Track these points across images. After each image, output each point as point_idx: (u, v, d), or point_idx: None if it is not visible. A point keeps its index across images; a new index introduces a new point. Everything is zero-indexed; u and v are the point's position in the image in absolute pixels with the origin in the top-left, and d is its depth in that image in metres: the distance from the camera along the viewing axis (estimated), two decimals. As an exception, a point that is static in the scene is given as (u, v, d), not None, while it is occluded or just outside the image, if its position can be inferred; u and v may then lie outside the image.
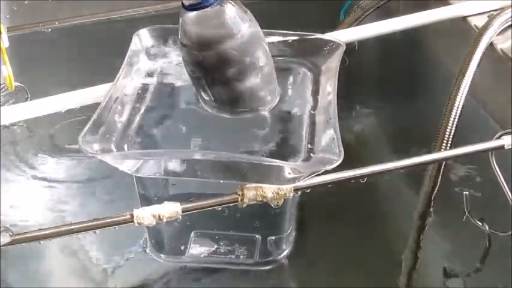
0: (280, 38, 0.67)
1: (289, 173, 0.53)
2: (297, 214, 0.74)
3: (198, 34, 0.54)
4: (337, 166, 0.51)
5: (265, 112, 0.60)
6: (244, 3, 0.56)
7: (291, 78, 0.66)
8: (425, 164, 0.64)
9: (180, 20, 0.55)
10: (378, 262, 0.74)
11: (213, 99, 0.58)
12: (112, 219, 0.53)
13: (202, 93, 0.58)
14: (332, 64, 0.65)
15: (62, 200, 0.84)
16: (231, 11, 0.54)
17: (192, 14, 0.53)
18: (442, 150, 0.65)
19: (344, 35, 0.70)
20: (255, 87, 0.57)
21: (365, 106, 0.97)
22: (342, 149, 0.52)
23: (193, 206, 0.54)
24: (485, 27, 0.69)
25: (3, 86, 0.71)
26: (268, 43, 0.58)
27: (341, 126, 0.55)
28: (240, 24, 0.54)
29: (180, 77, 0.66)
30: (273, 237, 0.72)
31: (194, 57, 0.55)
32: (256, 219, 0.72)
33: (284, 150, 0.58)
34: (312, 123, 0.59)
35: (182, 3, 0.54)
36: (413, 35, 0.78)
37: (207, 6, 0.53)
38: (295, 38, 0.66)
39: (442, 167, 0.67)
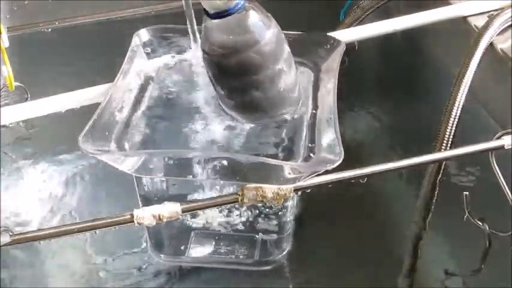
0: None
1: (289, 173, 0.53)
2: (296, 214, 0.74)
3: (223, 42, 0.54)
4: (337, 166, 0.51)
5: (288, 117, 0.60)
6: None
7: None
8: (425, 164, 0.64)
9: (203, 27, 0.55)
10: (378, 262, 0.74)
11: (233, 104, 0.58)
12: (112, 219, 0.53)
13: (224, 99, 0.58)
14: (332, 63, 0.65)
15: (62, 200, 0.84)
16: (254, 17, 0.54)
17: (215, 21, 0.53)
18: (442, 150, 0.65)
19: (344, 35, 0.70)
20: (278, 95, 0.57)
21: (365, 106, 0.97)
22: (342, 149, 0.52)
23: (193, 206, 0.54)
24: (485, 27, 0.69)
25: (3, 86, 0.71)
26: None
27: (341, 126, 0.55)
28: (264, 30, 0.54)
29: (180, 76, 0.66)
30: (273, 237, 0.72)
31: (217, 64, 0.55)
32: (256, 219, 0.72)
33: (284, 150, 0.57)
34: (312, 123, 0.59)
35: (205, 11, 0.53)
36: (413, 35, 0.78)
37: (232, 14, 0.53)
38: (296, 37, 0.66)
39: (442, 167, 0.67)
